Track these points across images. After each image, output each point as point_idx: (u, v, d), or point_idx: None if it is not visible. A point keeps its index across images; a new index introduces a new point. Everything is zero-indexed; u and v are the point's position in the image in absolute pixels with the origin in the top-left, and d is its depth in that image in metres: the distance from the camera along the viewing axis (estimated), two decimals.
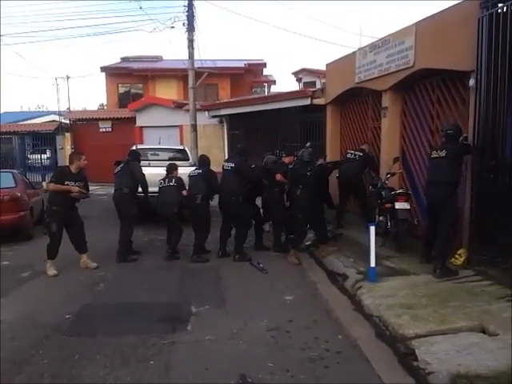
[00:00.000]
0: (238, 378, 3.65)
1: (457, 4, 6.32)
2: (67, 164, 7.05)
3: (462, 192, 6.20)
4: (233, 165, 7.42)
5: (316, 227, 7.53)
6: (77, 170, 6.74)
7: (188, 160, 11.28)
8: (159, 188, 7.58)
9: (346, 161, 8.98)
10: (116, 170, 7.60)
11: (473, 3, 5.95)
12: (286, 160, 7.76)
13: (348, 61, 9.69)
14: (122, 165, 7.63)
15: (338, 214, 8.93)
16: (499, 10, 5.54)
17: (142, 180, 7.50)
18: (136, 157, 7.88)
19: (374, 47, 8.66)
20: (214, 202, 7.75)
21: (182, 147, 12.71)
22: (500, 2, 5.54)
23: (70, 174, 6.67)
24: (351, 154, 8.94)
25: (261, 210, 8.06)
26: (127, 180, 7.37)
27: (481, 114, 5.91)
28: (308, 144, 8.86)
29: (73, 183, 6.59)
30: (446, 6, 6.51)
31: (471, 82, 6.06)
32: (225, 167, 7.54)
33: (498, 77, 5.60)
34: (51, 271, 6.56)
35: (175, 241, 7.49)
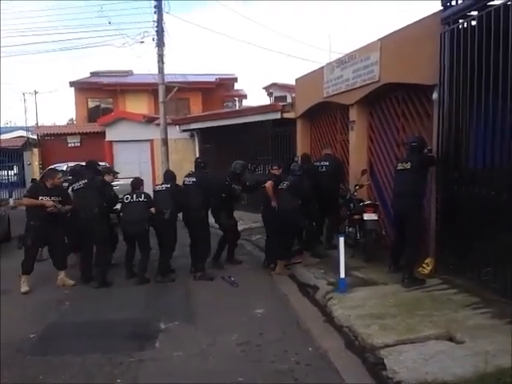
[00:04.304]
0: None
1: (420, 20, 6.49)
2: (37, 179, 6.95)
3: (428, 203, 6.33)
4: (194, 179, 7.26)
5: (307, 234, 7.53)
6: (52, 185, 6.68)
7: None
8: (124, 204, 7.07)
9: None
10: (76, 187, 7.06)
11: (435, 19, 6.13)
12: (277, 172, 7.58)
13: (316, 76, 9.83)
14: (84, 181, 7.05)
15: (329, 232, 8.27)
16: (460, 26, 5.73)
17: (110, 196, 7.18)
18: (96, 169, 7.43)
19: (341, 62, 8.82)
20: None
21: (103, 163, 13.07)
22: (461, 19, 5.73)
23: (44, 189, 6.63)
24: (318, 166, 8.37)
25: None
26: (95, 198, 6.90)
27: (444, 126, 6.06)
28: (296, 158, 8.70)
29: (47, 198, 6.51)
30: (411, 22, 6.70)
31: (434, 96, 6.22)
32: (186, 182, 7.37)
33: (460, 90, 5.76)
34: (24, 288, 6.44)
35: (145, 262, 7.01)
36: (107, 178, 7.32)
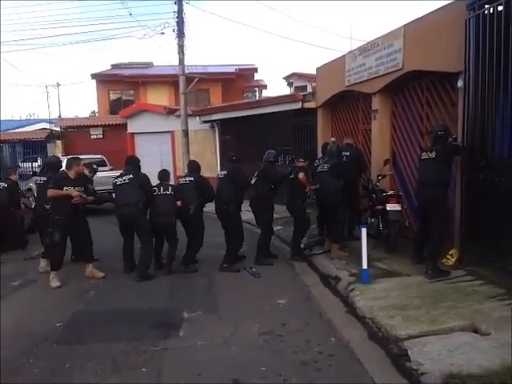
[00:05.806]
0: (230, 383, 3.63)
1: (444, 6, 6.35)
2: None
3: (453, 192, 6.22)
4: (225, 172, 7.25)
5: (334, 224, 7.42)
6: (76, 175, 6.53)
7: (106, 166, 14.84)
8: (152, 197, 6.94)
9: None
10: (119, 182, 6.89)
11: (460, 5, 5.99)
12: (303, 164, 7.49)
13: (338, 64, 9.72)
14: (129, 176, 6.86)
15: (350, 222, 8.08)
16: (486, 12, 5.58)
17: (151, 193, 7.01)
18: (138, 166, 7.23)
19: (363, 50, 8.69)
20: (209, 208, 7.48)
21: (99, 156, 15.59)
22: (486, 4, 5.58)
23: (68, 180, 6.45)
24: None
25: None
26: (139, 193, 6.76)
27: (469, 114, 5.94)
28: (333, 139, 8.84)
29: (72, 188, 6.36)
30: (434, 8, 6.56)
31: (459, 83, 6.10)
32: (219, 175, 7.40)
33: (485, 77, 5.63)
34: (54, 283, 6.34)
35: (172, 254, 7.04)
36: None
